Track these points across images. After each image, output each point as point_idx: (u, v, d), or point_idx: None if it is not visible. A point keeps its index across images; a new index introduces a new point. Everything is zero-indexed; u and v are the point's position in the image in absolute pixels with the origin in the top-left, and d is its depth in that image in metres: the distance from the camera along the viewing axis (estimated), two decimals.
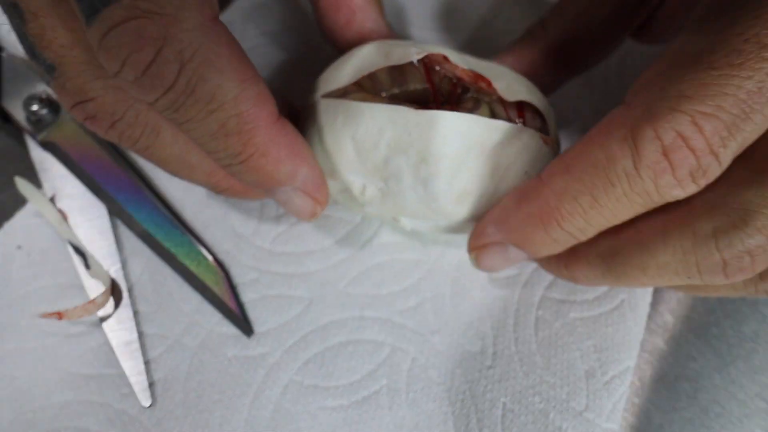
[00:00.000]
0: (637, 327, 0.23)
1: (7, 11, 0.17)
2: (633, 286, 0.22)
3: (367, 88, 0.20)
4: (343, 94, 0.20)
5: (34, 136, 0.26)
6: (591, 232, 0.18)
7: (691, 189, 0.17)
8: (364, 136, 0.19)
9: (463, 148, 0.18)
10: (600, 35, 0.23)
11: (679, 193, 0.17)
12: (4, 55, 0.27)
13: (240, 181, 0.19)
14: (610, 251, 0.19)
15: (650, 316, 0.24)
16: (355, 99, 0.20)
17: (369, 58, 0.20)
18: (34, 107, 0.26)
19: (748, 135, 0.16)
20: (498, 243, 0.19)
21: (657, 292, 0.24)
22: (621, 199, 0.17)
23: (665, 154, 0.16)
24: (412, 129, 0.18)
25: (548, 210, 0.18)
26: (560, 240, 0.19)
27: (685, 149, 0.16)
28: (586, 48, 0.24)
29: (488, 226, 0.19)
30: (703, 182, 0.16)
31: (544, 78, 0.23)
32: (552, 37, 0.23)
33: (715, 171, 0.16)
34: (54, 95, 0.26)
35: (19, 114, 0.26)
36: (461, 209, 0.19)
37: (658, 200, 0.17)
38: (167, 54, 0.15)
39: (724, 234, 0.17)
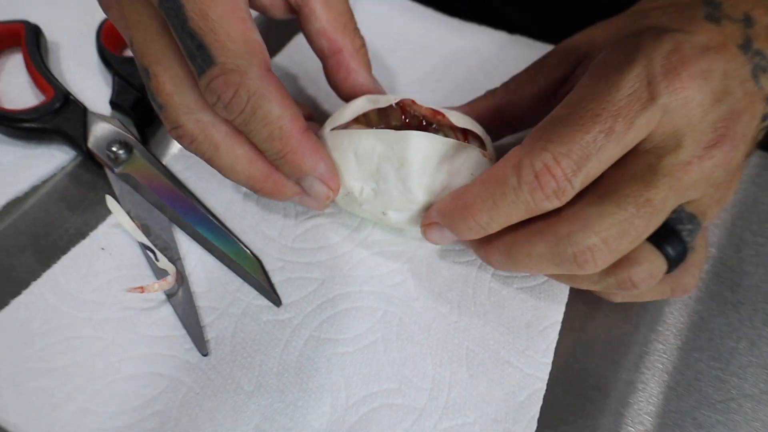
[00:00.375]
0: (563, 293, 0.32)
1: (141, 72, 0.26)
2: (525, 270, 0.28)
3: (362, 124, 0.30)
4: (345, 127, 0.30)
5: (113, 170, 0.35)
6: (494, 226, 0.25)
7: (555, 203, 0.24)
8: (363, 151, 0.28)
9: (427, 156, 0.27)
10: (529, 106, 0.31)
11: (548, 205, 0.24)
12: (89, 112, 0.36)
13: (281, 170, 0.28)
14: (510, 242, 0.26)
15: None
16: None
17: (362, 104, 0.30)
18: (114, 148, 0.35)
19: (591, 170, 0.23)
20: (438, 224, 0.28)
21: None
22: (511, 205, 0.24)
23: (536, 177, 0.23)
24: (394, 144, 0.28)
25: (465, 206, 0.26)
26: (474, 229, 0.26)
27: (548, 175, 0.23)
28: (518, 113, 0.32)
29: (433, 212, 0.28)
30: (564, 199, 0.23)
31: (489, 129, 0.32)
32: (497, 101, 0.32)
33: (570, 192, 0.23)
34: (127, 139, 0.36)
35: (101, 154, 0.35)
36: (427, 199, 0.28)
37: (535, 208, 0.24)
38: (241, 92, 0.24)
39: (573, 235, 0.23)
